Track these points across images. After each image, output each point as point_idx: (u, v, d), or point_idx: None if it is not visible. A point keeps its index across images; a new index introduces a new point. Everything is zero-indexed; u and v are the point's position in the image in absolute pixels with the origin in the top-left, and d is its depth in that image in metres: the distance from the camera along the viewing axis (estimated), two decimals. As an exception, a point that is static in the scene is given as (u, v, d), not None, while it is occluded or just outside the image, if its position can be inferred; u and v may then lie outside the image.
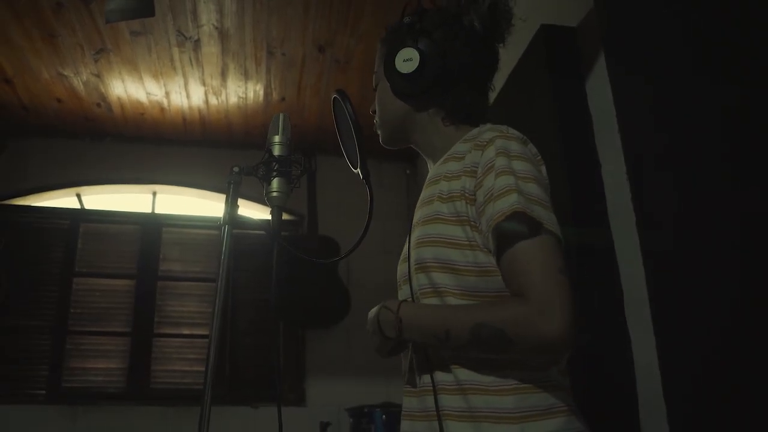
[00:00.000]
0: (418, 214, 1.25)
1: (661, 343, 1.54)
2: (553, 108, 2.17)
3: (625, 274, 1.94)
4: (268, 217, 1.24)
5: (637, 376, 1.85)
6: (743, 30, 1.26)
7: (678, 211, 1.45)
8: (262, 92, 4.10)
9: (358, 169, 1.32)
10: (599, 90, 2.09)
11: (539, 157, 1.20)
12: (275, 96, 4.15)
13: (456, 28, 1.31)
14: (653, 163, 1.55)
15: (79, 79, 3.87)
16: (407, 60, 1.28)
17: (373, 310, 1.24)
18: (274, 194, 1.23)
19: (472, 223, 1.13)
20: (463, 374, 1.09)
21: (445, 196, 1.18)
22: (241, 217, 1.22)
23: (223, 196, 1.23)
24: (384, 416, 3.29)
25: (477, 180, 1.14)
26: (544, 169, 1.19)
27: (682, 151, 1.43)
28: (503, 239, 1.06)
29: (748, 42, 1.24)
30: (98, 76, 3.85)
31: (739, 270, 1.26)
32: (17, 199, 4.38)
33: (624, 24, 1.71)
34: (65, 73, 3.82)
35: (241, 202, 1.23)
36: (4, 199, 4.32)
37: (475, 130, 1.28)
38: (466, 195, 1.15)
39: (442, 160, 1.29)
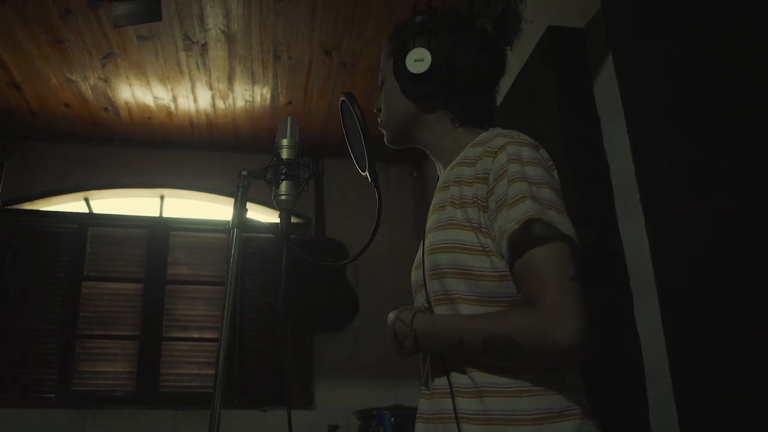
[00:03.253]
0: (431, 220, 1.24)
1: (671, 345, 1.53)
2: (561, 110, 2.17)
3: (634, 275, 1.94)
4: (277, 220, 1.24)
5: (647, 378, 1.85)
6: (752, 28, 1.26)
7: (688, 213, 1.44)
8: (269, 96, 4.11)
9: (367, 172, 1.32)
10: (607, 91, 2.09)
11: (551, 162, 1.19)
12: (282, 99, 4.15)
13: (467, 29, 1.30)
14: (663, 164, 1.54)
15: (87, 84, 3.89)
16: (418, 60, 1.26)
17: (391, 317, 1.23)
18: (283, 197, 1.23)
19: (484, 229, 1.12)
20: (479, 377, 1.09)
21: (457, 202, 1.17)
22: (250, 221, 1.22)
23: (230, 200, 1.23)
24: (393, 419, 3.29)
25: (489, 187, 1.13)
26: (556, 173, 1.18)
27: (692, 152, 1.43)
28: (517, 247, 1.06)
29: (758, 40, 1.23)
30: (106, 80, 3.87)
31: (751, 272, 1.25)
32: (26, 203, 4.40)
33: (631, 24, 1.70)
34: (73, 78, 3.83)
35: (249, 205, 1.23)
36: (13, 204, 4.34)
37: (484, 134, 1.27)
38: (479, 202, 1.14)
39: (452, 164, 1.28)
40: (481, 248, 1.12)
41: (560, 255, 1.04)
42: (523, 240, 1.05)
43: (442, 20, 1.31)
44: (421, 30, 1.30)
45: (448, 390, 1.12)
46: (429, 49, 1.26)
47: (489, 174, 1.14)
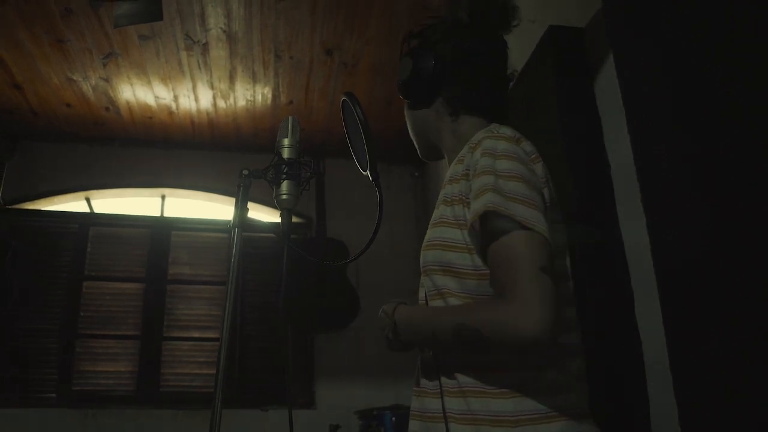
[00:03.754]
0: (431, 217, 1.26)
1: (671, 343, 1.53)
2: (562, 109, 2.17)
3: (635, 275, 1.94)
4: (278, 220, 1.24)
5: (647, 377, 1.85)
6: (752, 28, 1.26)
7: (688, 213, 1.44)
8: (270, 95, 4.11)
9: (368, 172, 1.32)
10: (608, 91, 2.09)
11: (534, 155, 1.18)
12: (283, 99, 4.16)
13: (441, 26, 1.36)
14: (664, 164, 1.54)
15: (88, 83, 3.89)
16: (404, 69, 1.35)
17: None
18: (284, 197, 1.23)
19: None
20: (464, 378, 1.09)
21: (448, 199, 1.19)
22: (251, 220, 1.22)
23: (231, 199, 1.24)
24: (393, 418, 3.29)
25: (469, 183, 1.14)
26: (539, 167, 1.17)
27: (693, 152, 1.43)
28: (481, 239, 1.08)
29: (758, 40, 1.24)
30: (107, 80, 3.87)
31: (751, 272, 1.25)
32: (27, 203, 4.40)
33: (632, 24, 1.70)
34: (74, 78, 3.84)
35: (250, 205, 1.23)
36: (14, 204, 4.34)
37: (479, 132, 1.28)
38: (464, 199, 1.15)
39: (453, 162, 1.29)
40: (465, 246, 1.13)
41: (527, 245, 1.03)
42: (484, 233, 1.07)
43: (429, 30, 1.38)
44: (407, 44, 1.40)
45: (436, 389, 1.13)
46: (410, 56, 1.34)
47: (470, 170, 1.15)
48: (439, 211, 1.21)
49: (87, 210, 4.55)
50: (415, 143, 1.45)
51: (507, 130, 1.19)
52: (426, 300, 1.20)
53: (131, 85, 3.93)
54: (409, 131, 1.44)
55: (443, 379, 1.12)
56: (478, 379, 1.08)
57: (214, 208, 4.73)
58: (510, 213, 1.04)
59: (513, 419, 1.03)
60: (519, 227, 1.03)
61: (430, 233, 1.20)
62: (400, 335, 1.17)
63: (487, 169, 1.10)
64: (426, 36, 1.37)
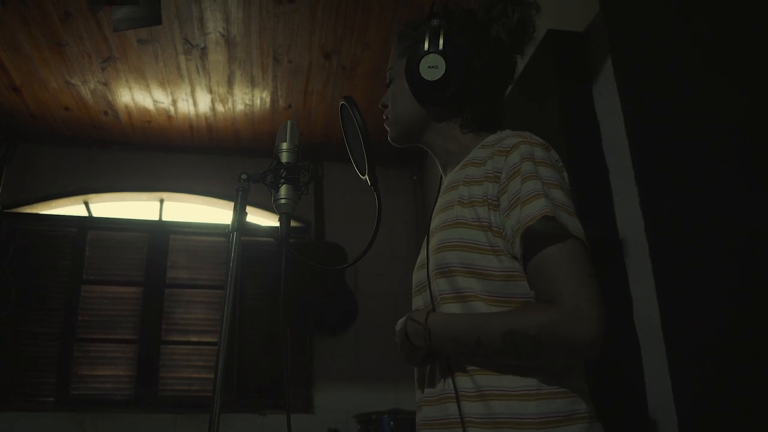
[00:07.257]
0: (437, 220, 1.23)
1: (670, 349, 1.53)
2: (561, 113, 2.17)
3: (633, 279, 1.94)
4: (276, 224, 1.24)
5: (646, 379, 1.85)
6: (750, 32, 1.26)
7: (687, 216, 1.44)
8: (268, 99, 4.11)
9: (366, 176, 1.31)
10: (607, 94, 2.09)
11: (561, 164, 1.18)
12: (282, 103, 4.16)
13: (483, 37, 1.29)
14: (662, 168, 1.54)
15: (87, 87, 3.89)
16: (432, 67, 1.25)
17: (400, 322, 1.22)
18: (283, 201, 1.23)
19: (495, 228, 1.11)
20: (483, 380, 1.08)
21: (466, 201, 1.17)
22: (249, 224, 1.22)
23: (229, 204, 1.23)
24: (392, 422, 3.29)
25: (501, 185, 1.12)
26: (566, 175, 1.18)
27: (690, 155, 1.43)
28: (531, 244, 1.06)
29: (755, 44, 1.24)
30: (105, 84, 3.87)
31: (749, 275, 1.25)
32: (25, 206, 4.40)
33: (630, 28, 1.71)
34: (73, 82, 3.84)
35: (248, 209, 1.23)
36: (13, 207, 4.34)
37: (494, 137, 1.26)
38: (489, 201, 1.13)
39: (460, 165, 1.27)
40: (489, 247, 1.11)
41: (576, 253, 1.05)
42: (537, 237, 1.05)
43: (458, 25, 1.29)
44: (436, 33, 1.27)
45: (450, 395, 1.10)
46: (443, 56, 1.25)
47: (500, 173, 1.13)
48: (454, 212, 1.18)
49: (85, 214, 4.54)
50: (394, 126, 1.37)
51: (538, 138, 1.18)
52: (433, 305, 1.18)
53: (130, 89, 3.93)
54: (396, 114, 1.36)
55: (460, 383, 1.10)
56: (498, 381, 1.07)
57: (212, 212, 4.72)
58: (560, 220, 1.05)
59: (537, 421, 1.02)
60: (567, 235, 1.05)
61: (445, 234, 1.17)
62: (434, 343, 1.13)
63: (532, 173, 1.09)
64: (455, 32, 1.28)
